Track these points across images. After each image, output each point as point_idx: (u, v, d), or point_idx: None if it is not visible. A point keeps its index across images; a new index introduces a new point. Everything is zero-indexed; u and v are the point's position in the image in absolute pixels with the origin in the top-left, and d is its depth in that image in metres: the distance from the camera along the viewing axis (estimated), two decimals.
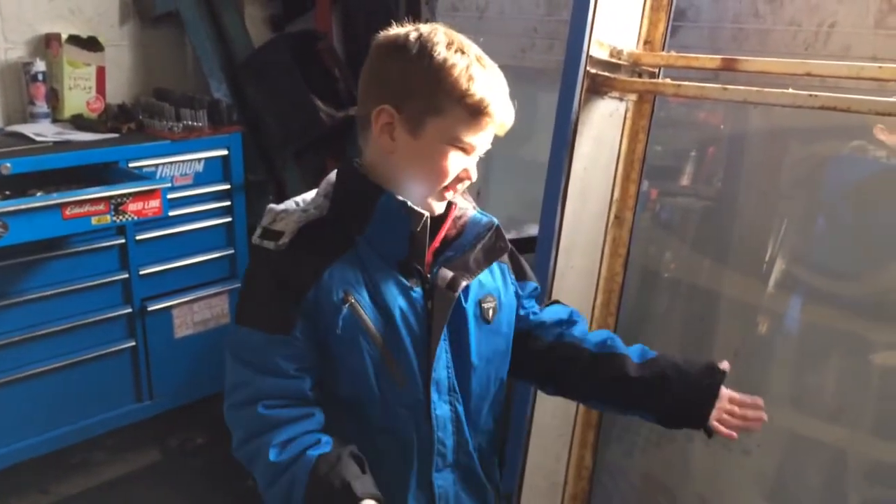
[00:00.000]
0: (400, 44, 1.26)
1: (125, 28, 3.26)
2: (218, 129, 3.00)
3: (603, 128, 2.15)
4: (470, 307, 1.37)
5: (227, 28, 3.19)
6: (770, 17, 2.22)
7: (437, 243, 1.36)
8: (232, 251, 3.17)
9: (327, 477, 1.19)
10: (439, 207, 1.35)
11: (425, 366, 1.33)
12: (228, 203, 3.10)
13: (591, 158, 2.15)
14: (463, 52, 1.25)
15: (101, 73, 3.12)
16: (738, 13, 2.28)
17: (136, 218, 2.53)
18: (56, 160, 2.57)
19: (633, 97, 2.16)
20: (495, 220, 1.43)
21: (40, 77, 2.95)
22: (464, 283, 1.34)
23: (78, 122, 3.01)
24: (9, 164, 2.39)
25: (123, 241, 2.83)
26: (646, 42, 2.13)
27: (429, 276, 1.34)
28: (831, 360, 2.27)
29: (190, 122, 2.94)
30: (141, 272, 2.92)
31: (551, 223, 2.08)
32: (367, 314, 1.28)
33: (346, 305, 1.26)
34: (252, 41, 3.21)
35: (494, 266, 1.45)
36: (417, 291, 1.32)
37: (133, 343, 2.97)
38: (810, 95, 1.73)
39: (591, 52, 2.00)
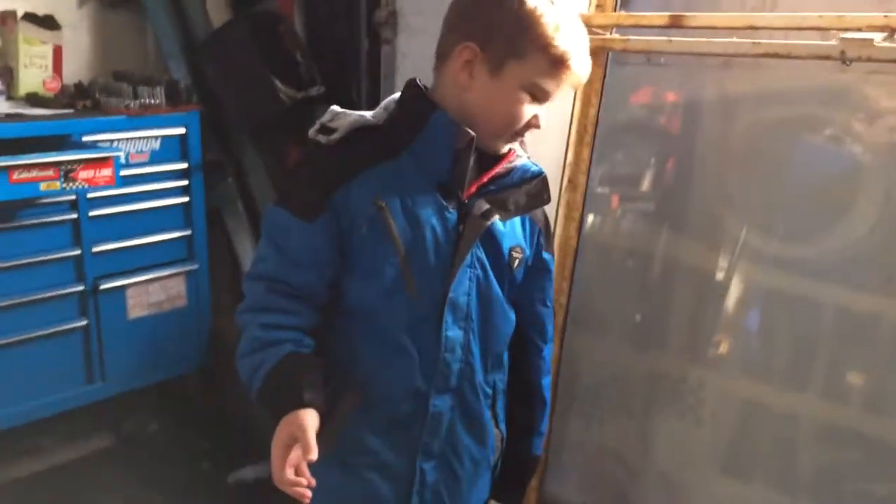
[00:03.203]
0: None
1: (84, 10, 3.24)
2: (175, 108, 2.98)
3: None
4: (505, 247, 1.44)
5: (187, 10, 3.18)
6: None
7: (484, 179, 1.40)
8: (189, 232, 3.12)
9: (287, 374, 1.28)
10: (501, 147, 1.39)
11: (444, 286, 1.37)
12: (186, 183, 3.07)
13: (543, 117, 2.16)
14: (552, 3, 1.30)
15: (58, 52, 3.09)
16: None
17: (86, 186, 2.49)
18: (6, 129, 2.53)
19: None
20: (544, 171, 1.47)
21: None
22: (496, 217, 1.39)
23: (33, 99, 2.97)
24: None
25: (76, 216, 2.78)
26: (597, 6, 2.16)
27: (466, 202, 1.38)
28: (782, 325, 2.28)
29: (147, 100, 2.92)
30: (94, 249, 2.86)
31: None
32: (396, 222, 1.33)
33: (375, 208, 1.32)
34: (213, 24, 3.20)
35: (527, 223, 1.51)
36: (452, 213, 1.37)
37: (85, 322, 2.91)
38: (753, 43, 1.77)
39: None
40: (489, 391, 1.55)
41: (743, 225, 2.29)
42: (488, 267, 1.44)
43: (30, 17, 3.02)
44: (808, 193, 2.21)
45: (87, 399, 2.99)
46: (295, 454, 1.23)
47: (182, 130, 3.01)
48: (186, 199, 3.09)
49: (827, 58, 1.68)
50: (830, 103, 2.16)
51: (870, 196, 2.16)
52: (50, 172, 2.40)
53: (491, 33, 1.29)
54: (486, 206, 1.39)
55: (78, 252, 2.83)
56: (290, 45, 3.11)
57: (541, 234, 1.56)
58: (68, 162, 2.43)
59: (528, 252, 1.52)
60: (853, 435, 2.17)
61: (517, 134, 1.37)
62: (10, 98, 2.98)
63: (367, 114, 1.43)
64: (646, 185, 2.53)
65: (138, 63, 3.34)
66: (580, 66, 1.31)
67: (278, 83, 3.01)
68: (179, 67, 3.15)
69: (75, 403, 2.97)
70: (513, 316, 1.54)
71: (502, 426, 1.62)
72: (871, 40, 1.60)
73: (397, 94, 1.44)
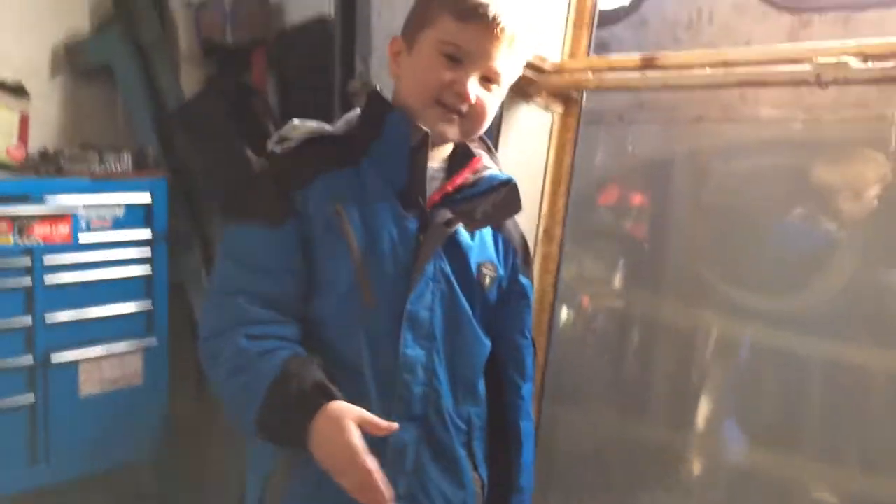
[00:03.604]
0: None
1: (55, 81, 3.22)
2: (142, 173, 2.92)
3: (528, 138, 2.13)
4: (472, 261, 1.35)
5: (160, 80, 3.17)
6: (688, 43, 2.30)
7: (449, 187, 1.34)
8: (150, 305, 2.99)
9: (298, 375, 1.17)
10: (446, 131, 1.31)
11: (404, 298, 1.27)
12: (149, 253, 2.96)
13: (518, 168, 2.12)
14: None
15: (24, 120, 3.05)
16: (658, 42, 2.35)
17: (42, 243, 2.38)
18: None
19: (559, 108, 2.16)
20: (514, 179, 1.40)
21: None
22: (459, 225, 1.32)
23: None
24: None
25: (30, 282, 2.65)
26: (571, 52, 2.16)
27: (428, 211, 1.32)
28: (769, 383, 2.18)
29: (113, 166, 2.86)
30: (47, 319, 2.71)
31: None
32: (353, 227, 1.27)
33: (332, 212, 1.27)
34: (185, 93, 3.19)
35: (500, 241, 1.43)
36: (413, 222, 1.30)
37: (31, 397, 2.72)
38: (727, 73, 1.75)
39: None
40: (462, 426, 1.41)
41: (721, 281, 2.23)
42: (454, 282, 1.34)
43: None
44: (784, 246, 2.17)
45: (28, 483, 2.76)
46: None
47: (148, 198, 2.92)
48: (149, 269, 2.97)
49: (803, 83, 1.66)
50: (801, 155, 2.16)
51: (848, 245, 2.12)
52: (3, 226, 2.29)
53: (407, 20, 1.34)
54: (450, 215, 1.33)
55: (29, 321, 2.68)
56: (263, 116, 3.09)
57: (516, 256, 1.48)
58: (24, 217, 2.32)
59: (501, 271, 1.43)
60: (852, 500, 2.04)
61: (446, 106, 1.29)
62: None
63: (326, 125, 1.40)
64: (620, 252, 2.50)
65: (107, 136, 3.29)
66: (488, 13, 1.26)
67: (250, 154, 2.97)
68: (149, 135, 3.10)
69: (15, 488, 2.73)
70: (487, 342, 1.43)
71: (482, 470, 1.45)
72: (847, 63, 1.58)
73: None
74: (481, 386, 1.46)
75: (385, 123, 1.30)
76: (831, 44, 1.68)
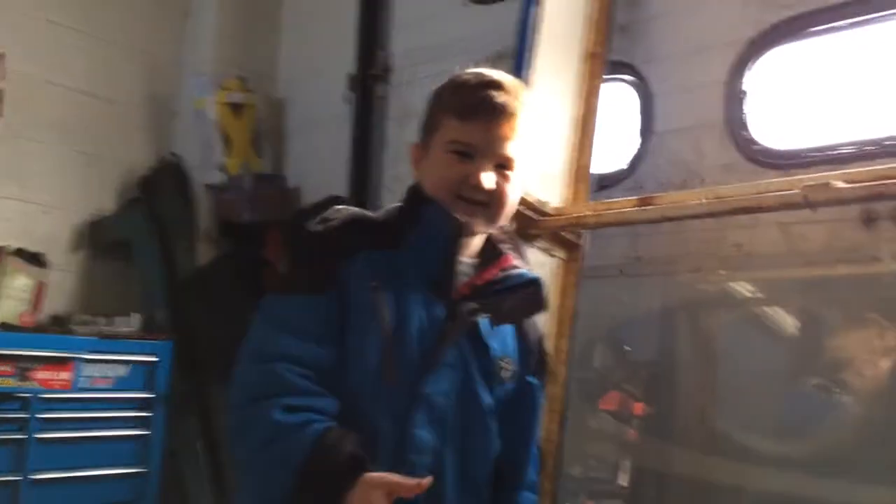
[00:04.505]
0: None
1: (75, 254, 3.35)
2: (149, 335, 2.95)
3: None
4: (494, 353, 1.35)
5: (176, 256, 3.30)
6: None
7: (478, 281, 1.37)
8: (144, 469, 2.89)
9: (334, 447, 1.16)
10: (473, 222, 1.35)
11: (421, 380, 1.28)
12: (148, 414, 2.91)
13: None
14: (461, 75, 1.37)
15: (41, 288, 3.13)
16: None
17: (41, 388, 2.36)
18: None
19: (562, 254, 2.24)
20: (541, 279, 1.44)
21: None
22: (484, 316, 1.34)
23: (6, 328, 2.94)
24: None
25: (23, 436, 2.59)
26: (573, 197, 2.27)
27: (457, 302, 1.33)
28: None
29: (121, 328, 2.90)
30: (35, 476, 2.61)
31: None
32: (388, 305, 1.28)
33: (371, 287, 1.29)
34: (198, 263, 3.30)
35: (517, 341, 1.43)
36: (441, 309, 1.32)
37: None
38: (719, 200, 1.84)
39: None
40: None
41: (734, 426, 2.18)
42: (475, 372, 1.33)
43: (20, 253, 3.11)
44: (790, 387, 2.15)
45: None
46: None
47: (153, 358, 2.93)
48: (146, 431, 2.90)
49: (794, 206, 1.74)
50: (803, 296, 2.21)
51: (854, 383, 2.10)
52: (6, 367, 2.29)
53: (421, 127, 1.40)
54: (475, 306, 1.34)
55: (18, 478, 2.58)
56: None
57: (529, 355, 1.47)
58: (26, 358, 2.33)
59: (517, 368, 1.42)
60: None
61: (467, 199, 1.33)
62: None
63: (367, 211, 1.45)
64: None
65: (119, 305, 3.36)
66: (487, 109, 1.31)
67: None
68: (159, 301, 3.17)
69: None
70: (498, 443, 1.39)
71: None
72: (829, 183, 1.67)
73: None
74: (486, 491, 1.40)
75: (423, 214, 1.34)
76: (819, 175, 1.78)
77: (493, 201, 1.35)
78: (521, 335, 1.46)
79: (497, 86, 1.34)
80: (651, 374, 2.48)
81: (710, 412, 2.22)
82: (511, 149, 1.34)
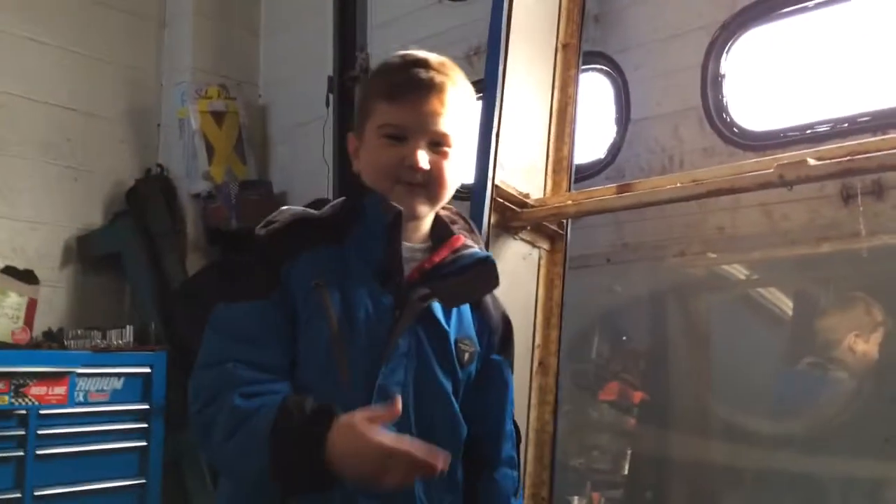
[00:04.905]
0: None
1: (65, 269, 3.36)
2: (143, 347, 2.96)
3: (517, 271, 2.21)
4: (451, 337, 1.33)
5: (166, 266, 3.31)
6: None
7: (426, 265, 1.35)
8: (143, 481, 2.90)
9: (299, 403, 1.16)
10: (414, 204, 1.33)
11: (376, 373, 1.26)
12: (146, 426, 2.92)
13: (508, 300, 2.16)
14: (388, 59, 1.36)
15: (32, 305, 3.14)
16: None
17: (37, 403, 2.37)
18: None
19: (545, 245, 2.26)
20: (492, 256, 1.42)
21: None
22: (435, 300, 1.32)
23: None
24: None
25: (22, 453, 2.60)
26: (553, 188, 2.29)
27: (405, 288, 1.31)
28: None
29: (115, 341, 2.91)
30: (37, 492, 2.63)
31: None
32: (333, 301, 1.27)
33: (314, 286, 1.27)
34: (188, 273, 3.31)
35: (475, 320, 1.41)
36: (388, 298, 1.30)
37: None
38: (695, 183, 1.86)
39: (496, 196, 2.13)
40: None
41: (728, 408, 2.20)
42: (432, 358, 1.31)
43: (9, 271, 3.12)
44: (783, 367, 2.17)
45: None
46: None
47: (147, 370, 2.94)
48: (144, 443, 2.91)
49: (769, 185, 1.76)
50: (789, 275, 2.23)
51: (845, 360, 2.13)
52: (1, 385, 2.30)
53: (355, 117, 1.41)
54: (426, 291, 1.32)
55: (18, 495, 2.60)
56: None
57: (493, 334, 1.44)
58: (21, 374, 2.34)
59: (478, 348, 1.39)
60: None
61: (405, 182, 1.32)
62: None
63: (311, 210, 1.41)
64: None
65: (112, 319, 3.37)
66: (413, 88, 1.30)
67: None
68: (151, 313, 3.18)
69: None
70: (465, 427, 1.39)
71: None
72: (805, 161, 1.70)
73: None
74: (459, 472, 1.40)
75: (364, 205, 1.33)
76: (793, 154, 1.81)
77: (430, 181, 1.32)
78: (482, 314, 1.44)
79: (422, 63, 1.32)
80: (646, 361, 2.51)
81: (705, 395, 2.23)
82: (444, 124, 1.31)
